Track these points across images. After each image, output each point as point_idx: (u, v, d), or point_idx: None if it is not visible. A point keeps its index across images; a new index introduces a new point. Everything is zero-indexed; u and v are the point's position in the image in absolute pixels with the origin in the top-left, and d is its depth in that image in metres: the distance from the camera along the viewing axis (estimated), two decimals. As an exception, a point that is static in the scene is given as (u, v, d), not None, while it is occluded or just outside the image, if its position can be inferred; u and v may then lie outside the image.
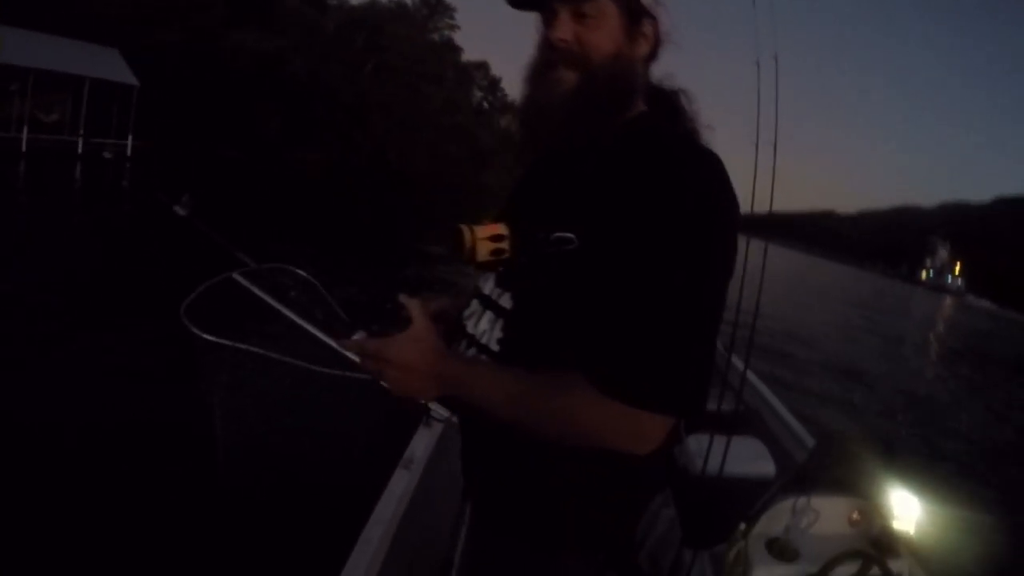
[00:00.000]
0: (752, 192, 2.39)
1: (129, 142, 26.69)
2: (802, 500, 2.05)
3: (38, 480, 4.39)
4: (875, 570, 1.94)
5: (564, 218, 1.05)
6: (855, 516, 2.15)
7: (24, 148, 22.73)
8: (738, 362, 5.17)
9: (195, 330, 1.23)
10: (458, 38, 57.39)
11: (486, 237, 1.07)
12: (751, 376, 4.59)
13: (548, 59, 1.11)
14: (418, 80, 45.32)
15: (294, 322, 1.23)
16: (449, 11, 55.35)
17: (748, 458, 2.80)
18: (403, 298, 1.08)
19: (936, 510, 2.17)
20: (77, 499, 4.29)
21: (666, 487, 2.72)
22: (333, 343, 1.10)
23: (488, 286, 1.16)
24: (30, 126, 23.29)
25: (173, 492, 4.38)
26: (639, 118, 1.17)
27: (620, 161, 1.06)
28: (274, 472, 1.48)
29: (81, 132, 25.23)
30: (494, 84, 60.55)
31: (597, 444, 0.97)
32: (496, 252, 1.07)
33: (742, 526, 2.11)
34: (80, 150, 24.95)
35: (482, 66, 60.15)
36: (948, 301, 69.91)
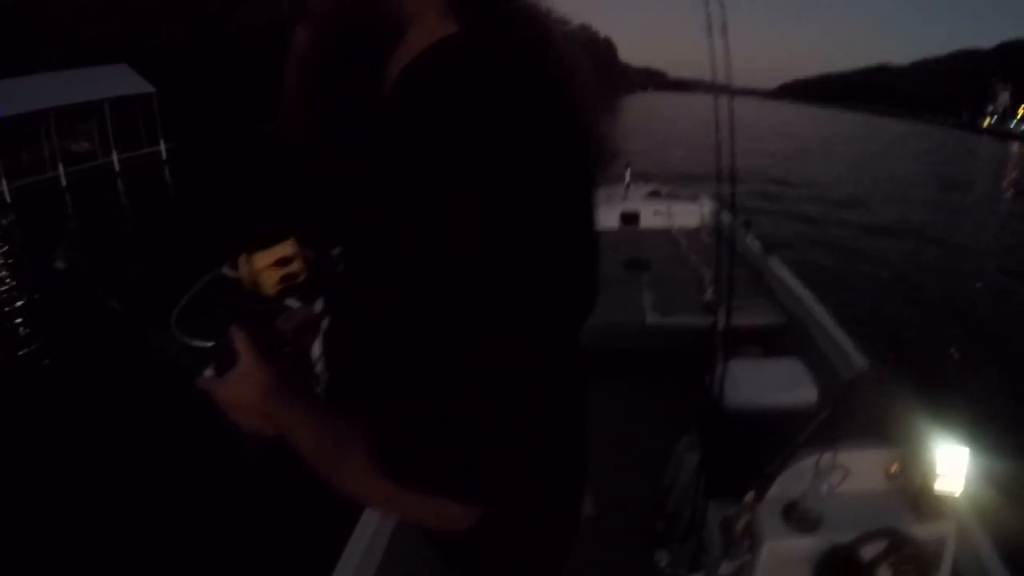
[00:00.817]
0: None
1: (162, 147, 27.69)
2: (827, 455, 1.76)
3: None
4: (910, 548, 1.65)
5: (347, 220, 0.85)
6: (894, 468, 1.88)
7: (64, 183, 23.82)
8: (780, 267, 4.77)
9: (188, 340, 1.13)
10: None
11: (268, 264, 0.95)
12: (795, 283, 4.35)
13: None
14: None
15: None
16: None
17: (785, 384, 2.52)
18: (233, 329, 0.91)
19: (991, 463, 1.98)
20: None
21: (692, 427, 2.57)
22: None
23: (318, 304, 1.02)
24: (64, 161, 24.29)
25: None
26: (427, 56, 0.77)
27: (390, 131, 0.74)
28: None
29: (113, 151, 26.24)
30: None
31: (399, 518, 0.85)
32: (287, 277, 0.96)
33: (750, 494, 1.85)
34: (118, 168, 26.03)
35: None
36: (1015, 147, 63.52)
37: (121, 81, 27.38)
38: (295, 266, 0.96)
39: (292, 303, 1.06)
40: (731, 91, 2.41)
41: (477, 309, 0.68)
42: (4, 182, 22.42)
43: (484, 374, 0.70)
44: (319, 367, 0.99)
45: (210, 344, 0.95)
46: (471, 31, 0.79)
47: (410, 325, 0.73)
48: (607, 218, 5.83)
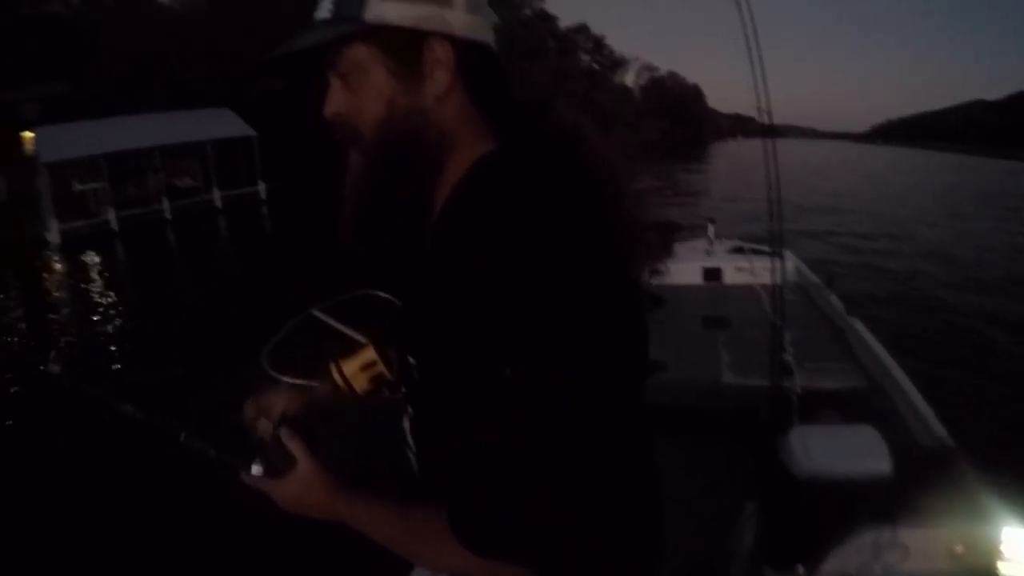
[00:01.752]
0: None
1: (261, 187, 28.94)
2: (888, 531, 1.72)
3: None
4: None
5: (417, 330, 0.93)
6: (959, 549, 1.80)
7: (169, 216, 25.50)
8: (862, 329, 4.65)
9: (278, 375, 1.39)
10: (550, 7, 55.72)
11: (356, 369, 1.04)
12: (877, 346, 4.21)
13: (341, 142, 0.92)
14: (517, 60, 44.58)
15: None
16: (534, -18, 53.58)
17: (859, 453, 2.45)
18: (284, 436, 0.99)
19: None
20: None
21: (758, 494, 2.49)
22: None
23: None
24: (168, 195, 26.09)
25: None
26: (470, 174, 0.89)
27: (444, 248, 0.86)
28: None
29: (215, 189, 27.71)
30: (599, 43, 59.01)
31: None
32: (375, 379, 1.05)
33: (800, 569, 1.80)
34: (219, 205, 27.45)
35: (582, 29, 58.54)
36: None
37: (224, 124, 29.10)
38: (379, 367, 1.04)
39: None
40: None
41: (550, 399, 0.75)
42: (112, 212, 24.27)
43: (559, 453, 0.77)
44: (410, 457, 1.06)
45: (256, 439, 1.01)
46: (510, 147, 0.88)
47: (487, 417, 0.79)
48: (689, 274, 5.84)
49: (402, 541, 0.94)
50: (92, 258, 20.48)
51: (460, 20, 0.86)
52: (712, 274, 5.95)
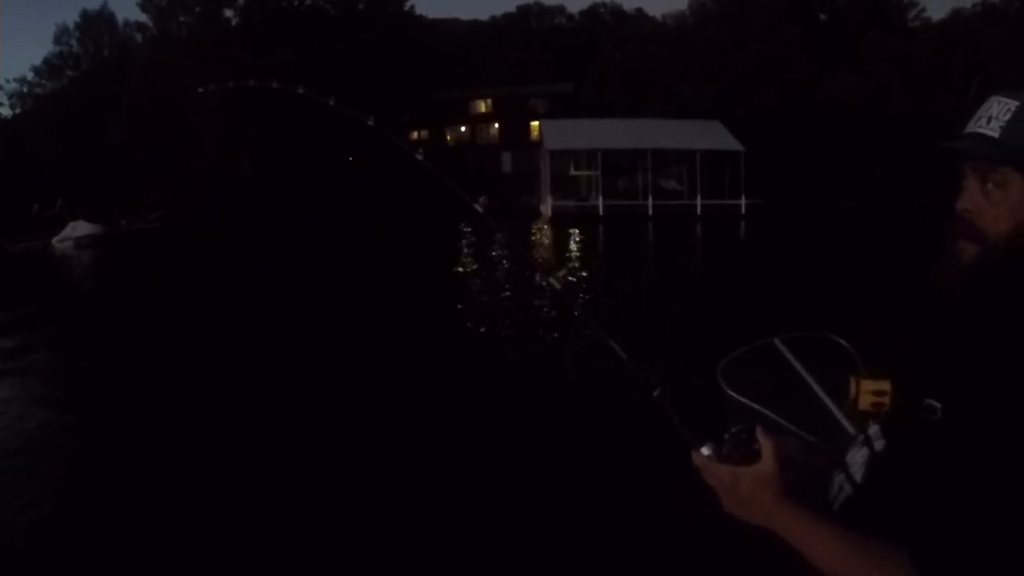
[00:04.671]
0: None
1: (742, 201, 27.74)
2: None
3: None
4: None
5: (937, 382, 1.00)
6: None
7: (650, 212, 26.19)
8: None
9: (728, 390, 1.58)
10: None
11: (869, 391, 1.16)
12: None
13: (952, 228, 1.07)
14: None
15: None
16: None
17: None
18: (759, 433, 1.07)
19: None
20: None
21: None
22: (844, 422, 1.26)
23: (874, 426, 1.15)
24: (654, 194, 26.80)
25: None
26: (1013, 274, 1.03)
27: (989, 324, 0.99)
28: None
29: (698, 196, 27.51)
30: None
31: None
32: (876, 405, 1.16)
33: None
34: (699, 211, 27.07)
35: None
36: None
37: (714, 136, 28.86)
38: (885, 399, 1.14)
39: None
40: None
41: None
42: (600, 198, 25.79)
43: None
44: (840, 483, 1.12)
45: (732, 431, 1.03)
46: None
47: (978, 475, 0.87)
48: None
49: (842, 562, 0.95)
50: (575, 234, 21.61)
51: None
52: None
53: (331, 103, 1.79)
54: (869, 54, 38.60)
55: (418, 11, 39.12)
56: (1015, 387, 0.87)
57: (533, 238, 21.37)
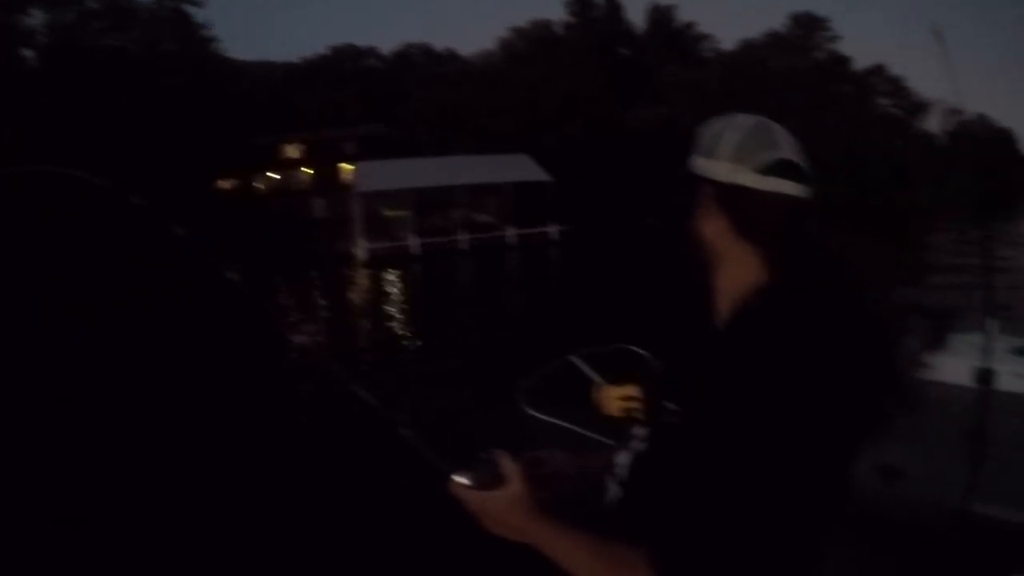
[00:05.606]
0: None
1: (552, 228, 29.09)
2: None
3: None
4: None
5: (683, 392, 1.07)
6: None
7: (466, 247, 26.88)
8: None
9: (528, 410, 1.76)
10: (842, 47, 51.61)
11: (616, 397, 1.28)
12: None
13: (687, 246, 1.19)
14: (809, 111, 41.64)
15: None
16: (823, 24, 49.97)
17: None
18: (500, 457, 1.10)
19: None
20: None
21: None
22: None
23: (640, 429, 1.20)
24: (468, 229, 27.53)
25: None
26: (752, 298, 1.07)
27: (727, 342, 1.06)
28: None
29: (509, 227, 28.44)
30: (897, 85, 53.27)
31: None
32: (626, 411, 1.28)
33: None
34: (512, 242, 28.11)
35: (878, 70, 53.41)
36: None
37: (522, 169, 30.05)
38: (634, 404, 1.28)
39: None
40: None
41: (756, 474, 0.90)
42: (416, 238, 26.11)
43: (752, 521, 0.90)
44: (611, 485, 1.16)
45: (480, 457, 1.07)
46: (790, 283, 1.03)
47: (706, 477, 0.93)
48: (957, 373, 5.04)
49: (589, 570, 1.00)
50: (391, 275, 21.98)
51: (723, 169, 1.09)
52: (984, 377, 4.76)
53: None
54: (667, 83, 41.76)
55: (229, 53, 38.03)
56: (747, 394, 0.93)
57: (346, 283, 21.30)
